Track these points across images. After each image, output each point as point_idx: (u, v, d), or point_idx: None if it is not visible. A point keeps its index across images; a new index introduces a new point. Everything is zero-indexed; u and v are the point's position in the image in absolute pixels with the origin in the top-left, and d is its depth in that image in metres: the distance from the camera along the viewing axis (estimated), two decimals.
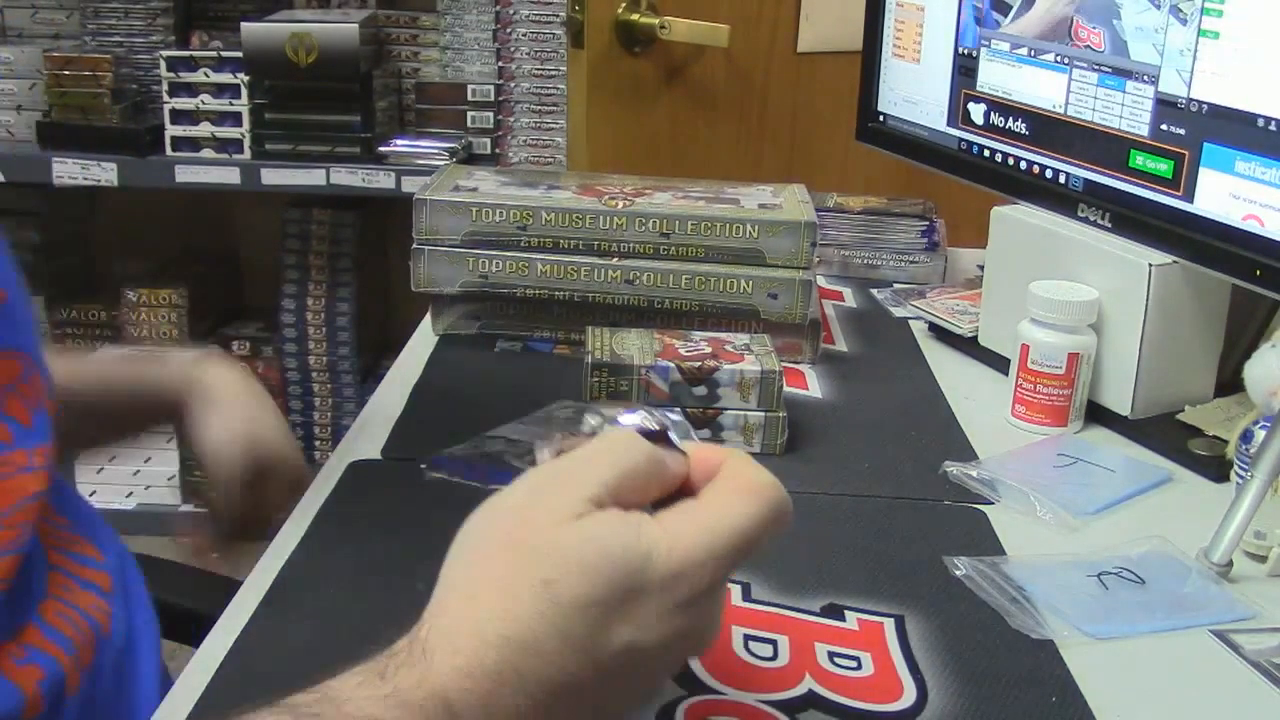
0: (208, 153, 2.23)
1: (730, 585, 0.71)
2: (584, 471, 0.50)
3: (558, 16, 2.20)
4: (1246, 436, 0.81)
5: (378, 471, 0.85)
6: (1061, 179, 1.00)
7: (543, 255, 1.02)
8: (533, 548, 0.48)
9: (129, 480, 2.44)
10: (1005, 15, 1.03)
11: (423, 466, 0.60)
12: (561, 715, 0.47)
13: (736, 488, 0.51)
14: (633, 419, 0.55)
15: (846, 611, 0.69)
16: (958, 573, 0.73)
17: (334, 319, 2.38)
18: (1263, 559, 0.75)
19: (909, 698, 0.62)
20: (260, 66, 2.16)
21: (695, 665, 0.64)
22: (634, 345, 0.89)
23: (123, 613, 0.71)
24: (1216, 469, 0.87)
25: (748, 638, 0.66)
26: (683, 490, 0.52)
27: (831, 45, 1.87)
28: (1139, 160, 0.92)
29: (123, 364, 0.94)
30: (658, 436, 0.52)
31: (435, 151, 2.18)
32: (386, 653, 0.47)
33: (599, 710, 0.49)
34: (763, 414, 0.87)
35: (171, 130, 2.22)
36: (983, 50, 1.06)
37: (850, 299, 1.23)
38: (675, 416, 0.54)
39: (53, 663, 0.63)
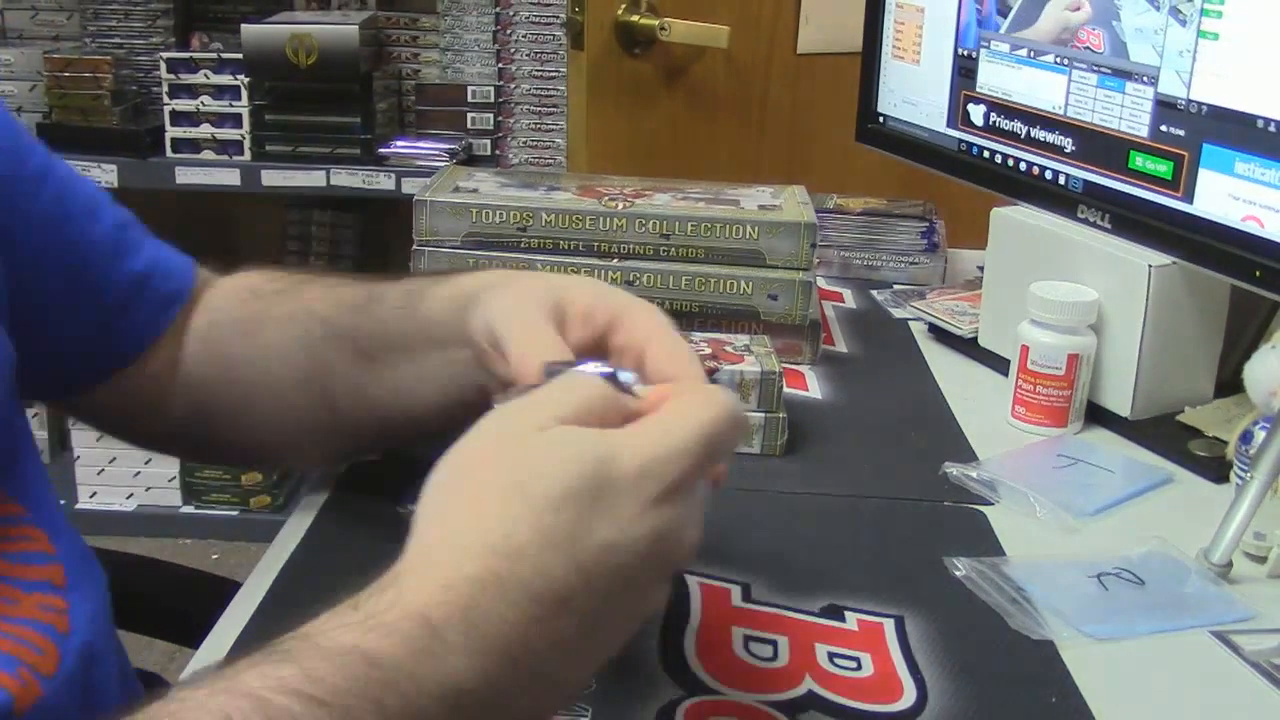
0: (208, 154, 2.23)
1: (730, 585, 0.71)
2: (545, 401, 0.51)
3: (557, 18, 2.20)
4: (1246, 437, 0.81)
5: (379, 470, 0.85)
6: (1061, 180, 1.00)
7: (543, 256, 1.02)
8: (500, 459, 0.48)
9: (129, 481, 2.44)
10: (1005, 17, 1.03)
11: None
12: (549, 631, 0.46)
13: (690, 398, 0.52)
14: (587, 367, 0.56)
15: (846, 612, 0.69)
16: (958, 573, 0.73)
17: None
18: (1262, 560, 0.76)
19: (909, 698, 0.62)
20: (260, 68, 2.16)
21: (695, 666, 0.64)
22: None
23: (82, 602, 0.66)
24: (1216, 470, 0.87)
25: (748, 638, 0.66)
26: None
27: (831, 46, 1.87)
28: (1138, 161, 0.92)
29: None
30: (611, 380, 0.54)
31: (435, 153, 2.19)
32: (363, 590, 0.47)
33: (595, 627, 0.48)
34: (763, 415, 0.87)
35: (172, 132, 2.22)
36: (982, 51, 1.06)
37: (850, 300, 1.23)
38: (628, 375, 0.55)
39: None
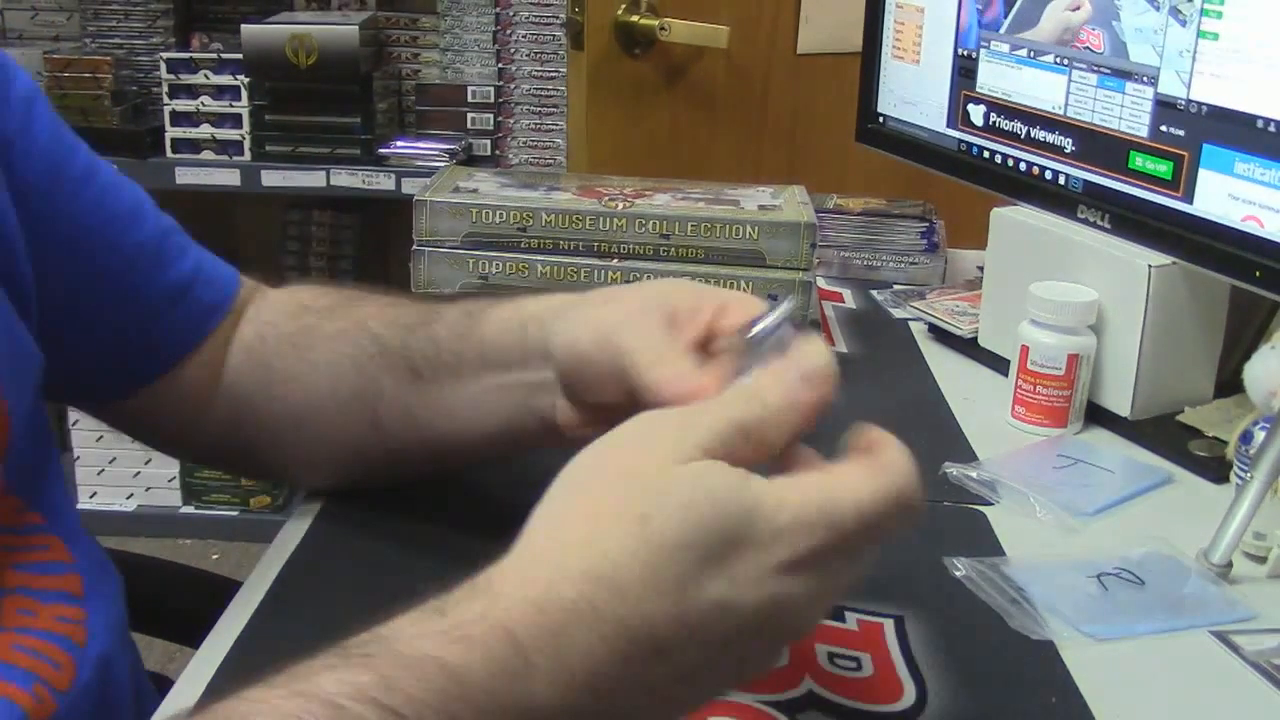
0: (208, 154, 2.23)
1: None
2: (694, 425, 0.47)
3: (557, 18, 2.20)
4: (1246, 437, 0.81)
5: None
6: (1061, 180, 1.00)
7: (543, 256, 1.02)
8: (631, 483, 0.45)
9: (129, 482, 2.45)
10: (1006, 17, 1.03)
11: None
12: (639, 672, 0.44)
13: (867, 463, 0.48)
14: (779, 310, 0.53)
15: (846, 612, 0.69)
16: (957, 573, 0.73)
17: None
18: (1262, 560, 0.75)
19: (909, 698, 0.62)
20: (260, 68, 2.16)
21: None
22: None
23: (99, 611, 0.66)
24: (1216, 470, 0.87)
25: None
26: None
27: (831, 47, 1.87)
28: (1138, 161, 0.92)
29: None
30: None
31: (435, 153, 2.19)
32: (451, 592, 0.44)
33: (689, 680, 0.45)
34: None
35: (171, 132, 2.23)
36: (982, 52, 1.06)
37: (850, 300, 1.23)
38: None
39: (6, 704, 0.58)
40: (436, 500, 0.77)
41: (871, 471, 0.48)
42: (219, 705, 0.42)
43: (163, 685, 0.75)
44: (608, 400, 0.61)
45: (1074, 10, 0.96)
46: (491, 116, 2.26)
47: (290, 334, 0.75)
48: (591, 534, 0.45)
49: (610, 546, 0.44)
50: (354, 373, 0.72)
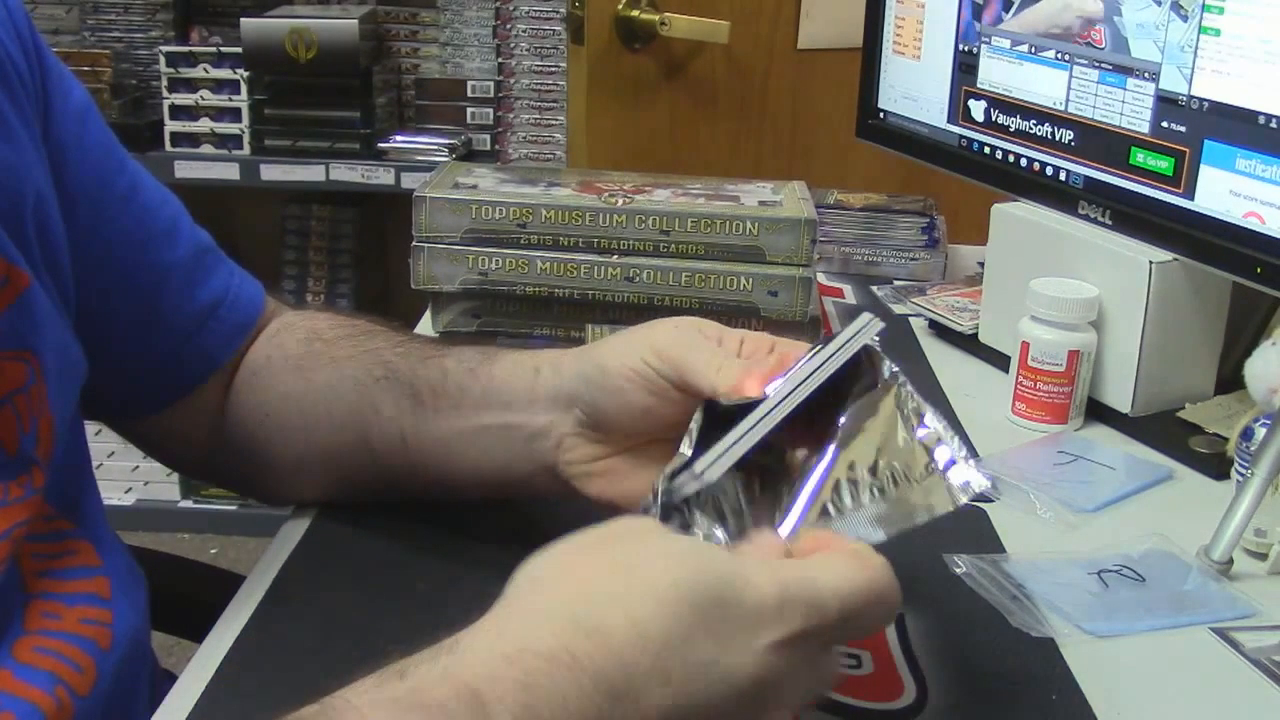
0: (207, 148, 2.23)
1: None
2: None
3: (558, 13, 2.20)
4: (1247, 434, 0.81)
5: None
6: (1062, 176, 1.00)
7: (542, 253, 1.02)
8: (620, 542, 0.46)
9: (128, 476, 2.44)
10: (1008, 12, 1.02)
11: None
12: None
13: (850, 559, 0.48)
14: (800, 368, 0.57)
15: None
16: (958, 570, 0.73)
17: None
18: (1263, 557, 0.75)
19: (909, 696, 0.62)
20: (260, 62, 2.16)
21: None
22: None
23: (125, 613, 0.66)
24: (1217, 466, 0.87)
25: None
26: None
27: (832, 42, 1.87)
28: (1139, 157, 0.92)
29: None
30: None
31: (435, 147, 2.18)
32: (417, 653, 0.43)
33: None
34: None
35: (171, 126, 2.22)
36: (983, 47, 1.05)
37: (850, 296, 1.23)
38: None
39: (26, 706, 0.57)
40: (439, 499, 0.77)
41: (855, 565, 0.48)
42: None
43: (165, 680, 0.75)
44: (627, 426, 0.64)
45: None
46: (491, 111, 2.26)
47: (296, 357, 0.75)
48: (576, 583, 0.44)
49: (596, 592, 0.43)
50: (354, 393, 0.72)
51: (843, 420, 0.58)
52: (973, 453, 0.89)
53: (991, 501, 0.82)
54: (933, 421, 0.57)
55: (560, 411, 0.66)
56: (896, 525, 0.55)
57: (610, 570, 0.44)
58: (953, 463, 0.56)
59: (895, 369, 0.59)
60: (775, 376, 0.57)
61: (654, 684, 0.42)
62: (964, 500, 0.55)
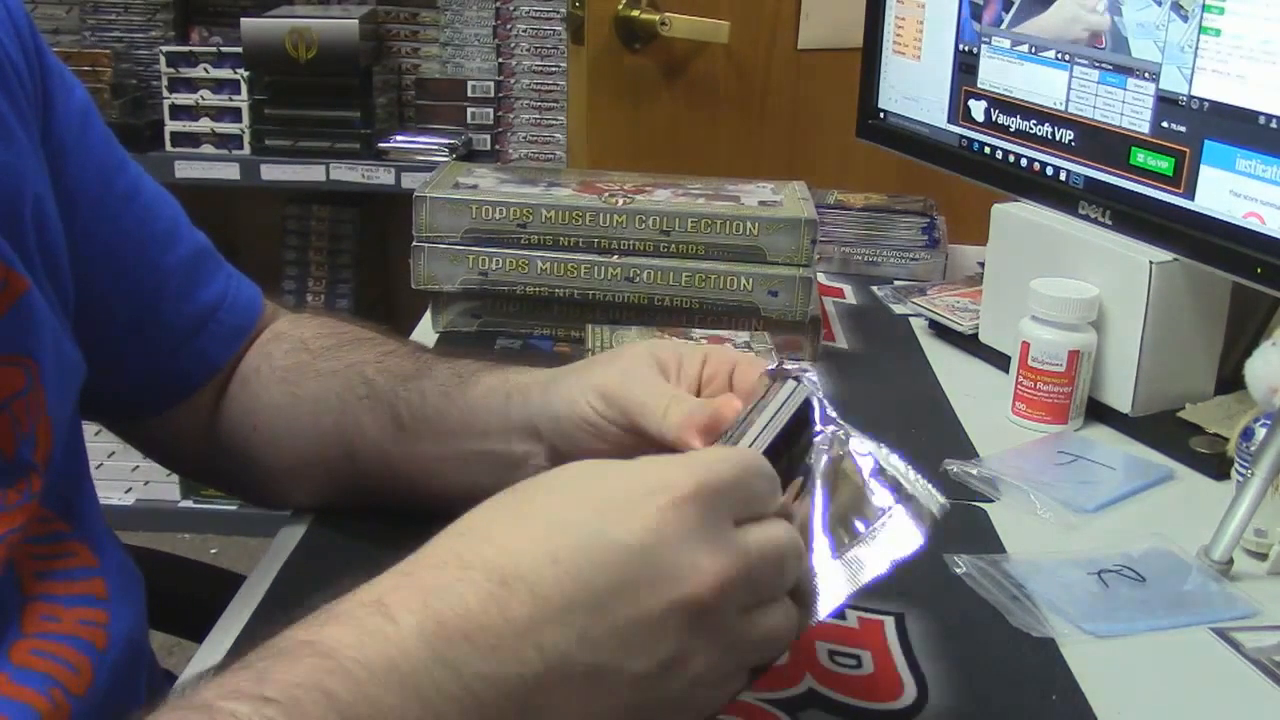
0: (207, 148, 2.23)
1: None
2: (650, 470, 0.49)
3: (558, 13, 2.20)
4: (1247, 434, 0.81)
5: None
6: (1062, 176, 1.00)
7: (543, 253, 1.02)
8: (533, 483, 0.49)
9: (128, 476, 2.44)
10: (1008, 12, 1.02)
11: None
12: (517, 614, 0.43)
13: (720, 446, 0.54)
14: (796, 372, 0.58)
15: (846, 609, 0.69)
16: (958, 570, 0.73)
17: None
18: (1263, 557, 0.75)
19: (909, 696, 0.62)
20: (260, 62, 2.16)
21: None
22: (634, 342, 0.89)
23: (122, 613, 0.66)
24: (1217, 467, 0.87)
25: None
26: None
27: (832, 42, 1.87)
28: (1140, 157, 0.92)
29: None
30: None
31: (435, 148, 2.18)
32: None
33: (569, 646, 0.44)
34: None
35: (171, 126, 2.22)
36: (983, 47, 1.05)
37: (851, 296, 1.23)
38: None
39: (21, 708, 0.57)
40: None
41: (734, 448, 0.53)
42: None
43: (165, 680, 0.75)
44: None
45: (1090, 11, 0.95)
46: (491, 111, 2.26)
47: (283, 369, 0.76)
48: (466, 520, 0.47)
49: (480, 511, 0.47)
50: (339, 408, 0.73)
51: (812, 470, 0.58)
52: (972, 452, 0.89)
53: (992, 501, 0.82)
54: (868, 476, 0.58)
55: (533, 442, 0.67)
56: (871, 573, 0.55)
57: (501, 500, 0.48)
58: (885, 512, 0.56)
59: (836, 428, 0.59)
60: (718, 427, 0.57)
61: (543, 564, 0.44)
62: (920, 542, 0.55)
